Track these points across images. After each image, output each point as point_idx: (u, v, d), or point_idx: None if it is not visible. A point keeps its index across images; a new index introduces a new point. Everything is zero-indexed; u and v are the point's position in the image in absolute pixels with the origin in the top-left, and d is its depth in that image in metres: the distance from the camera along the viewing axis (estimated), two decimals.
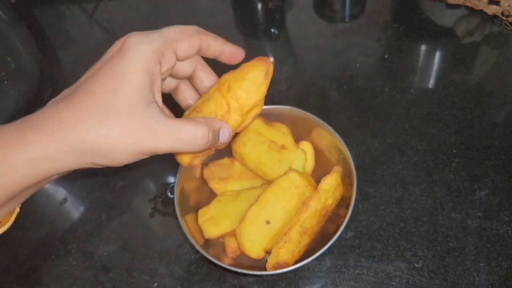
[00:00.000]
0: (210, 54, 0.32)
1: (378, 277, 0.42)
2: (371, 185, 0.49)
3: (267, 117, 0.46)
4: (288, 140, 0.46)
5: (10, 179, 0.24)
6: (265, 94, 0.33)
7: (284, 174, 0.41)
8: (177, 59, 0.29)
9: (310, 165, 0.47)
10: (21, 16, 0.62)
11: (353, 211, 0.47)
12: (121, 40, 0.26)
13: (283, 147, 0.45)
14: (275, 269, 0.37)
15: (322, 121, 0.45)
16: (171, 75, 0.33)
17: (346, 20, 0.72)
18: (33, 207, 0.52)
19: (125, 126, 0.24)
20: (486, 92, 0.57)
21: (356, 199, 0.47)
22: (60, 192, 0.53)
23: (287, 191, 0.39)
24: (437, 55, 0.63)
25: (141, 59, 0.25)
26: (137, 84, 0.25)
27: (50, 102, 0.26)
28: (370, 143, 0.53)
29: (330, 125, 0.44)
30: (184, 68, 0.33)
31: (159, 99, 0.28)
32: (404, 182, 0.49)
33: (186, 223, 0.41)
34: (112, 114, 0.24)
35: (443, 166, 0.50)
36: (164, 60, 0.27)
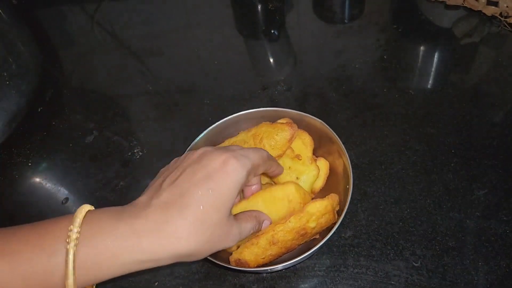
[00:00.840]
0: (273, 173, 0.40)
1: (377, 276, 0.42)
2: (370, 184, 0.49)
3: (298, 123, 0.45)
4: (306, 151, 0.45)
5: (115, 271, 0.28)
6: (284, 152, 0.44)
7: (283, 183, 0.41)
8: None
9: (320, 183, 0.46)
10: (22, 17, 0.62)
11: (352, 211, 0.47)
12: (223, 158, 0.31)
13: (297, 156, 0.44)
14: (237, 264, 0.39)
15: (341, 144, 0.44)
16: None
17: (346, 21, 0.72)
18: (34, 206, 0.52)
19: (214, 235, 0.30)
20: (485, 93, 0.57)
21: (355, 199, 0.48)
22: (62, 192, 0.53)
23: (279, 201, 0.39)
24: (436, 55, 0.64)
25: (240, 182, 0.31)
26: (231, 204, 0.31)
27: (156, 204, 0.29)
28: (369, 143, 0.53)
29: (330, 125, 0.44)
30: None
31: None
32: (403, 182, 0.49)
33: None
34: (209, 229, 0.29)
35: (442, 166, 0.50)
36: (252, 175, 0.34)
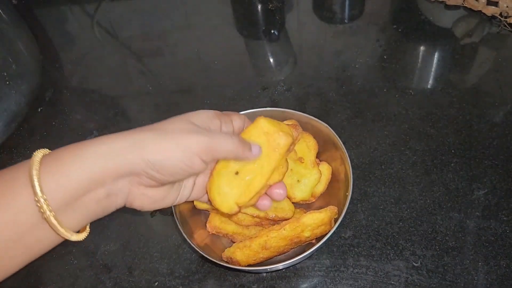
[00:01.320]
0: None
1: (377, 276, 0.42)
2: (370, 184, 0.49)
3: (303, 126, 0.45)
4: (309, 155, 0.45)
5: (80, 171, 0.28)
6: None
7: (253, 122, 0.38)
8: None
9: (321, 188, 0.46)
10: (22, 17, 0.62)
11: (352, 211, 0.47)
12: None
13: (300, 159, 0.44)
14: (228, 262, 0.40)
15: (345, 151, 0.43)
16: None
17: (346, 21, 0.72)
18: None
19: (178, 134, 0.31)
20: (485, 93, 0.57)
21: (355, 199, 0.48)
22: None
23: (256, 139, 0.36)
24: (436, 55, 0.64)
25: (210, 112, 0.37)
26: (199, 126, 0.34)
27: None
28: (369, 143, 0.53)
29: (330, 125, 0.44)
30: None
31: None
32: (403, 182, 0.49)
33: (185, 224, 0.41)
34: (179, 137, 0.30)
35: (442, 166, 0.50)
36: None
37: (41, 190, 0.27)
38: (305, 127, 0.46)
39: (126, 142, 0.30)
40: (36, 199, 0.27)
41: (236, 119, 0.37)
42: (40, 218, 0.27)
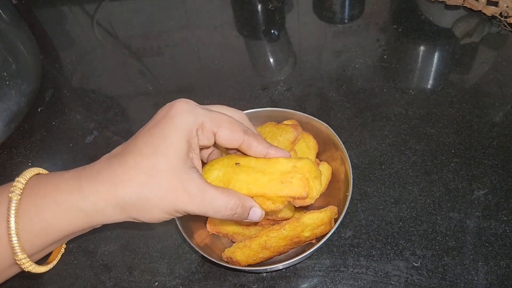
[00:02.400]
0: (253, 154, 0.32)
1: (377, 276, 0.42)
2: (370, 184, 0.49)
3: (304, 126, 0.45)
4: (309, 155, 0.45)
5: (62, 223, 0.27)
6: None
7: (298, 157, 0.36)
8: (216, 143, 0.31)
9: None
10: (22, 17, 0.62)
11: (352, 211, 0.47)
12: (171, 103, 0.29)
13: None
14: (228, 262, 0.39)
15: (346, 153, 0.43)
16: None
17: (346, 21, 0.72)
18: None
19: (166, 188, 0.27)
20: (485, 93, 0.57)
21: (355, 199, 0.48)
22: None
23: (281, 168, 0.33)
24: (436, 55, 0.64)
25: (184, 128, 0.28)
26: (179, 150, 0.28)
27: (104, 157, 0.29)
28: (369, 143, 0.53)
29: (330, 125, 0.44)
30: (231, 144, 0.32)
31: (198, 163, 0.31)
32: (403, 182, 0.49)
33: (185, 224, 0.41)
34: (155, 177, 0.27)
35: (442, 166, 0.50)
36: (203, 136, 0.29)
37: (17, 235, 0.26)
38: (305, 127, 0.46)
39: (109, 199, 0.27)
40: (10, 240, 0.26)
41: (224, 130, 0.31)
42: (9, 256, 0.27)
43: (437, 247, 0.44)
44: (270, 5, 0.75)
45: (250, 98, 0.61)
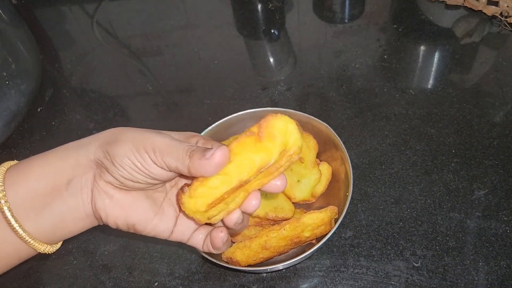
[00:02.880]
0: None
1: (378, 276, 0.42)
2: (370, 184, 0.49)
3: (304, 126, 0.45)
4: (309, 155, 0.45)
5: (41, 170, 0.29)
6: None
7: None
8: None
9: (321, 188, 0.45)
10: (22, 17, 0.62)
11: (352, 211, 0.47)
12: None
13: (300, 159, 0.44)
14: (228, 262, 0.39)
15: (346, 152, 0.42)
16: None
17: (346, 20, 0.72)
18: None
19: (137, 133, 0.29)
20: (485, 92, 0.57)
21: (355, 199, 0.48)
22: None
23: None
24: (436, 55, 0.63)
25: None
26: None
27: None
28: (369, 143, 0.53)
29: (330, 125, 0.44)
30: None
31: None
32: (403, 182, 0.49)
33: None
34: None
35: (442, 166, 0.50)
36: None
37: (5, 200, 0.27)
38: (305, 127, 0.46)
39: (86, 139, 0.30)
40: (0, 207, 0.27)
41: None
42: (7, 229, 0.28)
43: (437, 247, 0.44)
44: (270, 5, 0.75)
45: (250, 98, 0.61)
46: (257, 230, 0.43)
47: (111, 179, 0.29)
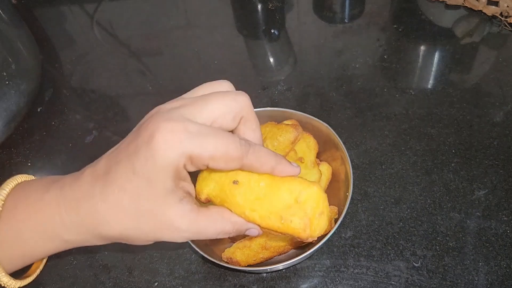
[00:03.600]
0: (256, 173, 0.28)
1: (378, 277, 0.42)
2: (370, 185, 0.49)
3: (304, 126, 0.45)
4: (309, 155, 0.44)
5: (45, 249, 0.27)
6: (287, 153, 0.41)
7: (308, 181, 0.35)
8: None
9: None
10: (22, 17, 0.62)
11: (352, 211, 0.47)
12: (152, 126, 0.24)
13: (300, 159, 0.44)
14: (228, 262, 0.39)
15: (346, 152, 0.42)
16: None
17: (346, 20, 0.72)
18: None
19: (151, 228, 0.25)
20: (485, 92, 0.57)
21: (355, 199, 0.48)
22: None
23: (283, 194, 0.29)
24: (436, 55, 0.63)
25: (169, 167, 0.24)
26: (164, 189, 0.25)
27: (86, 175, 0.26)
28: (369, 143, 0.53)
29: (330, 125, 0.44)
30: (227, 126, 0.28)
31: (190, 187, 0.28)
32: (403, 182, 0.49)
33: None
34: (139, 220, 0.25)
35: (442, 166, 0.50)
36: (192, 166, 0.25)
37: None
38: (305, 127, 0.46)
39: (93, 233, 0.26)
40: None
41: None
42: None
43: (437, 247, 0.44)
44: (270, 5, 0.75)
45: (250, 97, 0.61)
46: None
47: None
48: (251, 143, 0.26)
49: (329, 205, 0.40)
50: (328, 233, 0.38)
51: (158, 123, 0.23)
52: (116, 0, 0.82)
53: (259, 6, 0.76)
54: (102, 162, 0.26)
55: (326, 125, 0.44)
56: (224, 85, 0.28)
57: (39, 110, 0.63)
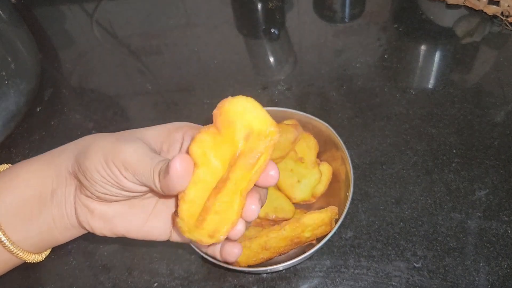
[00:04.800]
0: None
1: (378, 277, 0.42)
2: (370, 185, 0.49)
3: (304, 126, 0.45)
4: (310, 155, 0.44)
5: (20, 181, 0.29)
6: (287, 153, 0.42)
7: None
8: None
9: (321, 188, 0.45)
10: (21, 16, 0.62)
11: (352, 211, 0.47)
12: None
13: (300, 159, 0.44)
14: (228, 263, 0.38)
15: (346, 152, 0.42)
16: None
17: (346, 20, 0.72)
18: None
19: (111, 141, 0.27)
20: (486, 92, 0.57)
21: (355, 199, 0.48)
22: None
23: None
24: (437, 55, 0.63)
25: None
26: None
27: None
28: (370, 143, 0.53)
29: (330, 125, 0.44)
30: None
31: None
32: (404, 182, 0.49)
33: None
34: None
35: (443, 166, 0.50)
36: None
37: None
38: (306, 127, 0.46)
39: (67, 146, 0.29)
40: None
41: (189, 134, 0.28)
42: None
43: (438, 248, 0.43)
44: (270, 4, 0.74)
45: (250, 97, 0.60)
46: (257, 230, 0.43)
47: (89, 193, 0.27)
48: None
49: (330, 205, 0.40)
50: (328, 233, 0.38)
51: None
52: None
53: (259, 6, 0.75)
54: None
55: (326, 124, 0.44)
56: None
57: (38, 109, 0.63)
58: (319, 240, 0.39)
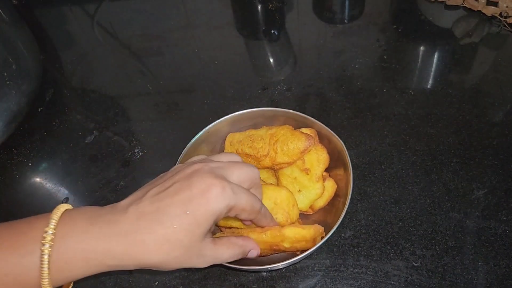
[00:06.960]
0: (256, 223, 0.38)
1: (377, 276, 0.42)
2: (370, 184, 0.49)
3: (321, 138, 0.45)
4: (317, 168, 0.44)
5: (87, 273, 0.30)
6: (295, 161, 0.43)
7: (278, 186, 0.42)
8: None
9: (321, 203, 0.44)
10: (23, 17, 0.62)
11: (352, 211, 0.47)
12: (207, 182, 0.30)
13: (306, 170, 0.43)
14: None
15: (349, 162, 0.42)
16: None
17: (345, 21, 0.72)
18: (34, 206, 0.52)
19: (184, 257, 0.31)
20: (484, 93, 0.57)
21: (354, 199, 0.48)
22: (62, 192, 0.53)
23: (265, 199, 0.40)
24: (436, 55, 0.64)
25: (216, 214, 0.30)
26: (204, 229, 0.31)
27: (131, 210, 0.30)
28: (369, 143, 0.53)
29: (330, 126, 0.44)
30: None
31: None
32: (402, 182, 0.49)
33: None
34: (179, 250, 0.30)
35: (442, 166, 0.50)
36: (227, 214, 0.33)
37: (48, 267, 0.28)
38: (323, 141, 0.45)
39: (135, 262, 0.30)
40: (41, 270, 0.28)
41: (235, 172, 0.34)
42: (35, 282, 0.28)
43: (436, 247, 0.44)
44: (270, 5, 0.75)
45: (250, 98, 0.61)
46: (239, 224, 0.42)
47: None
48: (262, 204, 0.35)
49: (328, 218, 0.41)
50: (328, 233, 0.38)
51: (212, 179, 0.31)
52: (117, 0, 0.82)
53: (259, 7, 0.76)
54: (146, 203, 0.30)
55: (326, 126, 0.44)
56: (237, 157, 0.37)
57: (39, 110, 0.64)
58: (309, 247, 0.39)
